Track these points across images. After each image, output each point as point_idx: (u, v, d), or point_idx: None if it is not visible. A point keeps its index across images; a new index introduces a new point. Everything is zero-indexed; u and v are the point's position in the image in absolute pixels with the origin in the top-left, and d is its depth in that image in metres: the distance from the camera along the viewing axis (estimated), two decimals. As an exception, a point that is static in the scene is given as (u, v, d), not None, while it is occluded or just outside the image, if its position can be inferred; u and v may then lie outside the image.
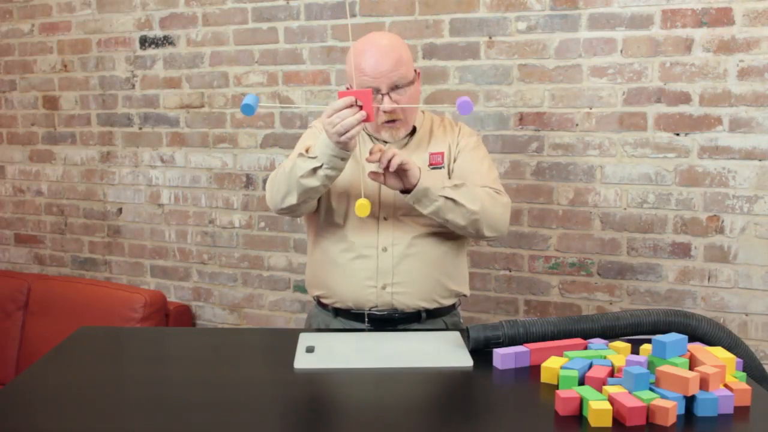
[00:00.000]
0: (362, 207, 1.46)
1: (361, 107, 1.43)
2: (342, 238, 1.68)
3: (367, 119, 1.44)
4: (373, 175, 1.55)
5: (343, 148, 1.46)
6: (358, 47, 1.62)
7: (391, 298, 1.66)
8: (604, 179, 2.31)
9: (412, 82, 1.63)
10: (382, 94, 1.59)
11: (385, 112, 1.61)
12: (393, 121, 1.64)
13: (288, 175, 1.55)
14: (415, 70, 1.68)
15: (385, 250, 1.66)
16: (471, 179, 1.66)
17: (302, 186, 1.53)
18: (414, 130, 1.73)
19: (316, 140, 1.61)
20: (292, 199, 1.57)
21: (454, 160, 1.73)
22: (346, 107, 1.42)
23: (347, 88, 1.69)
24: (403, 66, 1.60)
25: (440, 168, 1.71)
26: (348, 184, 1.67)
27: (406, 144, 1.73)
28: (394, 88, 1.59)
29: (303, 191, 1.55)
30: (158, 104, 2.88)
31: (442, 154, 1.71)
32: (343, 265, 1.67)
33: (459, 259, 1.76)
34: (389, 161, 1.50)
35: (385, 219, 1.67)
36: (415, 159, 1.69)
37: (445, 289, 1.72)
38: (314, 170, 1.51)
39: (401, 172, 1.53)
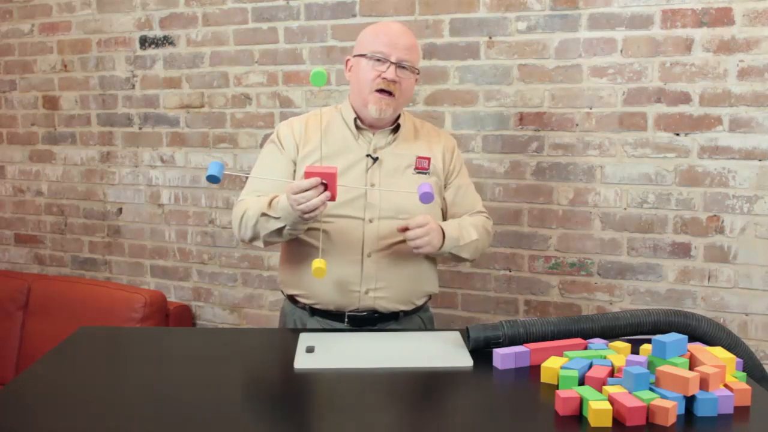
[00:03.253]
0: (319, 270, 1.46)
1: (326, 186, 1.45)
2: (327, 241, 1.66)
3: (331, 199, 1.47)
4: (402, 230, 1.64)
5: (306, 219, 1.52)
6: (381, 22, 1.76)
7: (373, 302, 1.69)
8: (604, 179, 2.31)
9: (414, 72, 1.71)
10: (390, 62, 1.65)
11: (384, 78, 1.64)
12: (387, 93, 1.66)
13: (253, 228, 1.63)
14: (417, 73, 1.74)
15: (369, 255, 1.67)
16: (468, 207, 1.81)
17: (268, 240, 1.65)
18: (398, 128, 1.76)
19: (276, 161, 1.70)
20: (260, 245, 1.68)
21: (446, 177, 1.79)
22: (312, 188, 1.45)
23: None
24: (415, 53, 1.71)
25: (425, 173, 1.73)
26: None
27: (390, 142, 1.74)
28: (401, 65, 1.66)
29: (269, 243, 1.67)
30: (158, 104, 2.88)
31: (428, 159, 1.74)
32: (327, 268, 1.66)
33: (431, 260, 1.80)
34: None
35: (370, 221, 1.67)
36: (401, 158, 1.73)
37: (420, 291, 1.76)
38: (279, 230, 1.59)
39: None
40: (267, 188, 1.67)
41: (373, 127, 1.74)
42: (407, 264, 1.70)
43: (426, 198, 1.47)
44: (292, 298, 1.77)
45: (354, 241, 1.67)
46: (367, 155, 1.71)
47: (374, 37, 1.68)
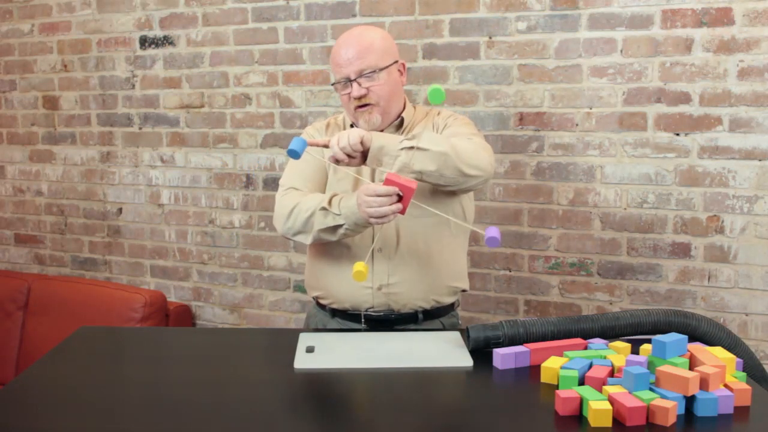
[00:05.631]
0: (359, 274, 1.42)
1: (400, 198, 1.44)
2: (336, 240, 1.67)
3: (400, 212, 1.45)
4: (334, 160, 1.51)
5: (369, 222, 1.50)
6: (337, 41, 1.70)
7: (387, 299, 1.66)
8: (604, 179, 2.31)
9: (383, 70, 1.65)
10: (351, 81, 1.64)
11: (354, 97, 1.64)
12: (365, 105, 1.66)
13: (305, 221, 1.60)
14: (398, 61, 1.71)
15: (380, 250, 1.66)
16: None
17: (319, 236, 1.60)
18: (402, 123, 1.75)
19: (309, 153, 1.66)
20: (305, 240, 1.63)
21: None
22: (387, 196, 1.44)
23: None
24: (372, 54, 1.64)
25: None
26: (347, 186, 1.67)
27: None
28: (362, 74, 1.63)
29: (318, 239, 1.61)
30: (158, 104, 2.88)
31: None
32: (339, 266, 1.68)
33: (456, 254, 1.75)
34: (349, 144, 1.46)
35: None
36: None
37: (443, 286, 1.71)
38: (335, 228, 1.56)
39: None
40: (308, 175, 1.70)
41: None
42: (422, 258, 1.67)
43: (492, 243, 1.40)
44: (318, 302, 1.78)
45: (364, 238, 1.66)
46: None
47: (333, 63, 1.68)
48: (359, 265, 1.42)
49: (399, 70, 1.72)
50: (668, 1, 2.18)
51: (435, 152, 1.49)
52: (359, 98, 1.64)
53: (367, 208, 1.46)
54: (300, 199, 1.63)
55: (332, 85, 1.72)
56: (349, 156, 1.48)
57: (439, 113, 1.79)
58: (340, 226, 1.55)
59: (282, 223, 1.66)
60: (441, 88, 1.39)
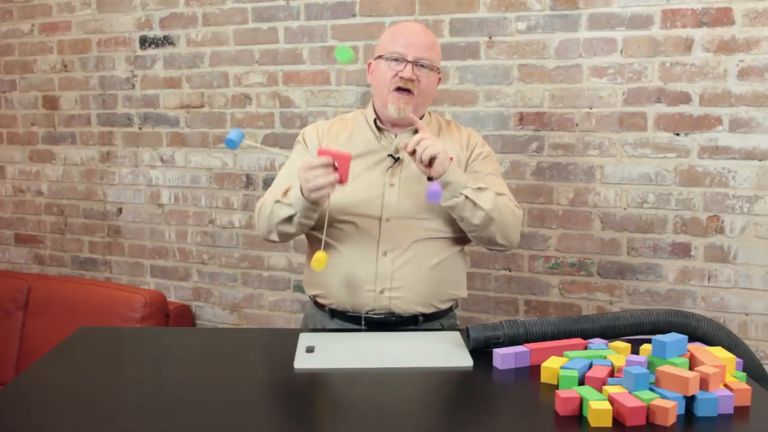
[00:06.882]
0: (318, 261, 1.48)
1: (336, 169, 1.45)
2: (342, 240, 1.68)
3: (339, 182, 1.46)
4: (407, 146, 1.56)
5: (314, 203, 1.53)
6: (400, 23, 1.74)
7: (388, 303, 1.66)
8: (604, 179, 2.31)
9: (434, 71, 1.69)
10: (407, 62, 1.64)
11: (401, 77, 1.63)
12: (405, 91, 1.64)
13: (268, 218, 1.64)
14: (439, 73, 1.73)
15: (385, 254, 1.65)
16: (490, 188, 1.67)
17: (280, 230, 1.63)
18: None
19: (302, 160, 1.66)
20: (275, 237, 1.67)
21: (465, 168, 1.74)
22: (322, 167, 1.45)
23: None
24: (435, 52, 1.70)
25: None
26: (354, 184, 1.67)
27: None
28: (418, 63, 1.65)
29: (282, 234, 1.65)
30: (158, 104, 2.88)
31: (450, 160, 1.71)
32: (342, 266, 1.67)
33: (458, 263, 1.76)
34: (422, 153, 1.51)
35: (388, 220, 1.67)
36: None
37: (444, 293, 1.72)
38: (290, 218, 1.59)
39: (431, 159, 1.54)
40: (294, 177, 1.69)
41: (396, 126, 1.73)
42: (426, 264, 1.67)
43: (432, 195, 1.43)
44: (316, 302, 1.77)
45: (370, 240, 1.66)
46: (389, 155, 1.70)
47: (391, 38, 1.67)
48: (319, 253, 1.47)
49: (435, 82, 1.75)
50: (668, 1, 2.18)
51: (487, 213, 1.59)
52: (406, 80, 1.64)
53: (306, 183, 1.48)
54: (267, 199, 1.67)
55: (378, 58, 1.68)
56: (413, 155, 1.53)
57: (470, 135, 1.80)
58: (293, 215, 1.58)
59: (258, 228, 1.72)
60: (349, 49, 1.44)
